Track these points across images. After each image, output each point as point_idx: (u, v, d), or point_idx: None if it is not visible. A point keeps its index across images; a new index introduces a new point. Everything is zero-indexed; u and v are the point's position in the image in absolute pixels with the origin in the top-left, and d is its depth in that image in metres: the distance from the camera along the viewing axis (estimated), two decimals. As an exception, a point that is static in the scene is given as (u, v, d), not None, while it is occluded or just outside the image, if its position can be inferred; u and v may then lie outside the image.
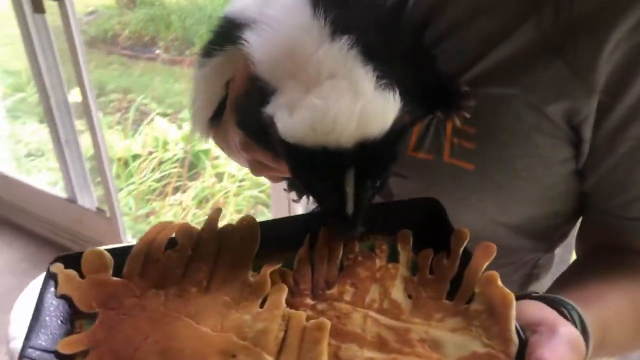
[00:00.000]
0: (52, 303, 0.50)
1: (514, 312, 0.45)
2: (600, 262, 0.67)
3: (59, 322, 0.49)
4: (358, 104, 0.45)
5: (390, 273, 0.52)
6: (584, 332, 0.51)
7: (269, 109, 0.49)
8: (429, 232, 0.54)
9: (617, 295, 0.59)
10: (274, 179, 0.67)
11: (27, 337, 0.47)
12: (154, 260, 0.54)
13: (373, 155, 0.47)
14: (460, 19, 0.62)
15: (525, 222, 0.65)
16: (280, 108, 0.47)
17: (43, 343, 0.47)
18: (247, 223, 0.56)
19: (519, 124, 0.59)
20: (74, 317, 0.51)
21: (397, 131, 0.47)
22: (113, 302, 0.51)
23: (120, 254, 0.54)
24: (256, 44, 0.52)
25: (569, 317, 0.50)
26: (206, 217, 0.57)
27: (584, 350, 0.45)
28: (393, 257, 0.54)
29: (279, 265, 0.53)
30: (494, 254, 0.50)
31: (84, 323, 0.50)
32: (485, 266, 0.49)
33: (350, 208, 0.49)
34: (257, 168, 0.62)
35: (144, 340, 0.48)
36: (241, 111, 0.57)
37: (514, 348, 0.43)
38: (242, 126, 0.57)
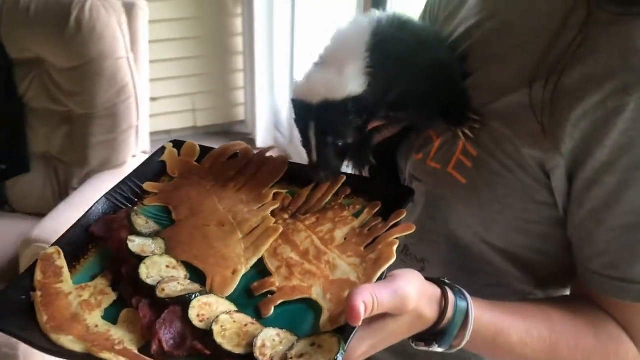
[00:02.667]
0: (154, 163, 0.83)
1: (386, 266, 0.63)
2: (555, 299, 0.77)
3: (152, 174, 0.82)
4: (332, 79, 0.67)
5: (346, 221, 0.72)
6: (467, 316, 0.64)
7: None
8: (394, 205, 0.73)
9: (537, 321, 0.69)
10: None
11: (131, 174, 0.80)
12: (221, 161, 0.83)
13: (330, 116, 0.68)
14: (496, 61, 0.76)
15: (508, 246, 0.76)
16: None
17: (135, 180, 0.79)
18: (281, 160, 0.81)
19: (508, 160, 0.72)
20: (162, 175, 0.82)
21: (355, 108, 0.68)
22: (186, 175, 0.82)
23: (205, 151, 0.84)
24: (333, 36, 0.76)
25: (450, 298, 0.64)
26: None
27: (411, 304, 0.60)
28: (358, 214, 0.74)
29: (284, 192, 0.78)
30: (410, 232, 0.67)
31: (165, 180, 0.82)
32: (396, 236, 0.67)
33: (314, 156, 0.71)
34: None
35: (188, 200, 0.77)
36: None
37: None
38: None
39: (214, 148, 0.85)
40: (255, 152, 0.84)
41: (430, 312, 0.63)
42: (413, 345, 0.67)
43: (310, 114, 0.69)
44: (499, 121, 0.73)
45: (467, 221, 0.76)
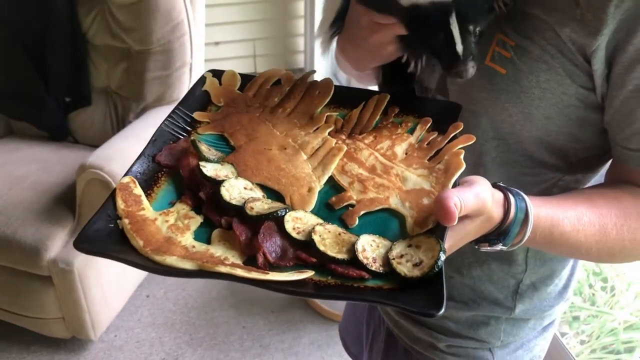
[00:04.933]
0: (198, 93, 0.83)
1: (457, 174, 0.68)
2: (598, 186, 0.82)
3: (199, 103, 0.82)
4: None
5: (402, 138, 0.76)
6: (527, 214, 0.69)
7: None
8: (444, 120, 0.76)
9: (585, 208, 0.75)
10: (385, 44, 0.79)
11: (179, 104, 0.80)
12: (264, 88, 0.84)
13: (468, 4, 0.68)
14: None
15: (545, 135, 0.79)
16: None
17: (184, 109, 0.79)
18: (326, 83, 0.83)
19: (549, 45, 0.74)
20: (208, 105, 0.83)
21: None
22: (232, 103, 0.82)
23: (246, 79, 0.85)
24: None
25: (511, 201, 0.70)
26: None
27: (487, 206, 0.65)
28: (411, 131, 0.78)
29: (335, 114, 0.80)
30: (471, 142, 0.71)
31: (212, 109, 0.82)
32: (459, 146, 0.71)
33: (459, 46, 0.70)
34: (373, 30, 0.77)
35: (241, 127, 0.78)
36: None
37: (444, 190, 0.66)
38: (366, 2, 0.76)
39: (253, 76, 0.85)
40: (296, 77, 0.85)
41: (497, 214, 0.68)
42: (476, 247, 0.72)
43: (449, 8, 0.68)
44: (539, 9, 0.75)
45: (508, 110, 0.78)
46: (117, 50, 2.32)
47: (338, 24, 0.88)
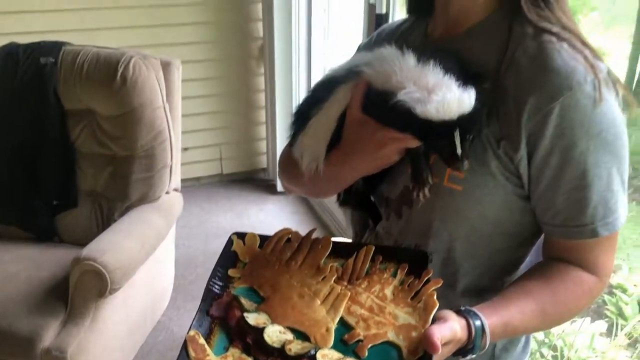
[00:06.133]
0: (229, 253, 1.07)
1: (434, 311, 0.94)
2: (530, 272, 1.08)
3: (230, 262, 1.06)
4: (456, 97, 0.89)
5: (389, 282, 1.02)
6: (483, 330, 0.94)
7: (406, 102, 0.88)
8: (417, 265, 1.03)
9: (525, 300, 1.00)
10: (393, 154, 1.00)
11: (216, 265, 1.04)
12: (278, 245, 1.09)
13: (467, 121, 0.88)
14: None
15: (497, 226, 1.05)
16: (416, 102, 0.88)
17: (221, 269, 1.03)
18: (326, 239, 1.09)
19: (492, 161, 0.99)
20: (237, 262, 1.07)
21: (477, 107, 0.89)
22: (255, 259, 1.07)
23: (264, 239, 1.10)
24: (371, 73, 0.99)
25: (472, 323, 0.95)
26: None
27: (458, 334, 0.91)
28: (394, 274, 1.04)
29: (336, 263, 1.06)
30: (439, 285, 0.98)
31: (241, 265, 1.06)
32: (432, 289, 0.98)
33: (459, 150, 0.93)
34: (385, 143, 0.97)
35: (266, 280, 1.03)
36: (373, 111, 0.97)
37: (427, 325, 0.92)
38: (378, 119, 0.98)
39: (269, 236, 1.11)
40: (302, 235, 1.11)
41: (463, 335, 0.94)
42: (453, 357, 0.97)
43: (453, 126, 0.89)
44: (481, 134, 1.00)
45: (467, 216, 1.04)
46: (103, 157, 2.51)
47: (331, 146, 1.10)
